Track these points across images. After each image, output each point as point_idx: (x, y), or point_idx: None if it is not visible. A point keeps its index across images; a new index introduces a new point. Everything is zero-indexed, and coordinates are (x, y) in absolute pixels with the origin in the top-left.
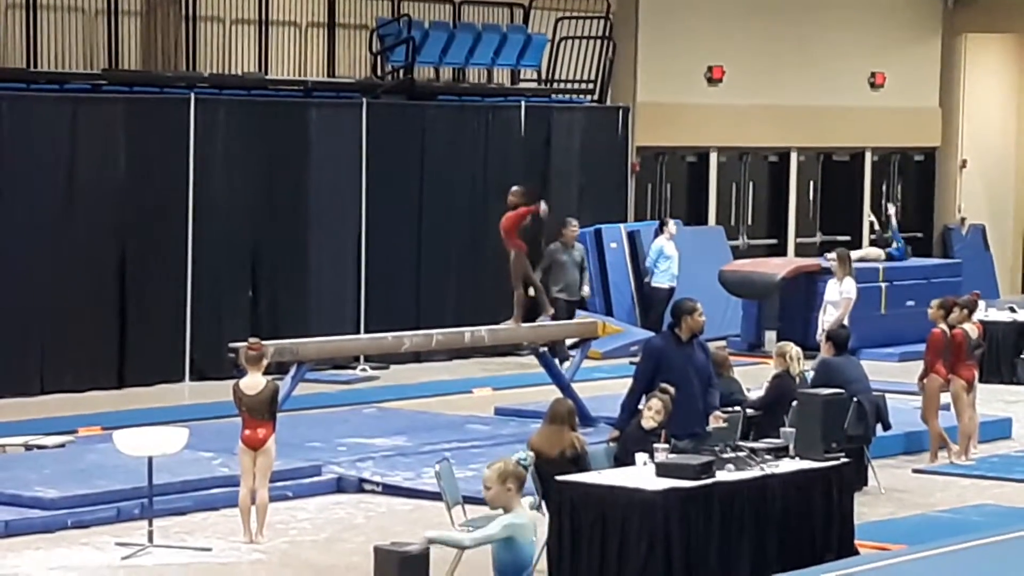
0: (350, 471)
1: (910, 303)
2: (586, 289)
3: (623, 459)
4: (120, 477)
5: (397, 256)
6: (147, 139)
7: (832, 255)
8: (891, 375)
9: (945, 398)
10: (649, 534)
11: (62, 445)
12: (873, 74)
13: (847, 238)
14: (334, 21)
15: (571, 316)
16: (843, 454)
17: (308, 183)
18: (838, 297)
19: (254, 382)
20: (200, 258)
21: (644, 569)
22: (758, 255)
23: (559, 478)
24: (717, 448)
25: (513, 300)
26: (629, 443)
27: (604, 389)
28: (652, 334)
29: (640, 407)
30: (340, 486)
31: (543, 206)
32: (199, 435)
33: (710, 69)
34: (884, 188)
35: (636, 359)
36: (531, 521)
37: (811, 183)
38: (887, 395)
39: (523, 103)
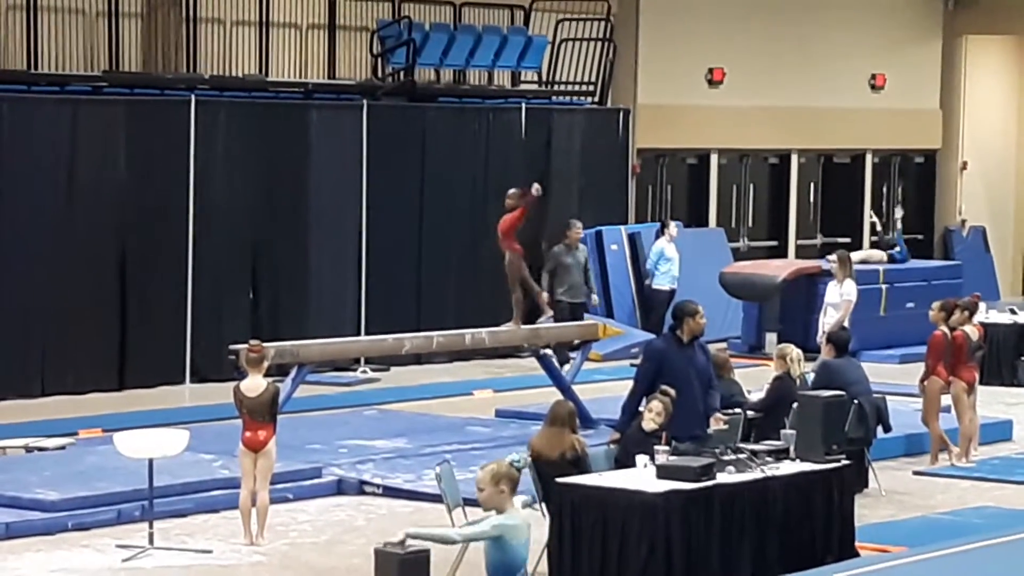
0: (351, 473)
1: (910, 305)
2: (595, 298)
3: (624, 461)
4: (121, 479)
5: (398, 258)
6: (148, 141)
7: (833, 257)
8: (892, 377)
9: (946, 400)
10: (650, 536)
11: (63, 447)
12: (873, 76)
13: (847, 240)
14: (334, 23)
15: (575, 318)
16: (844, 456)
17: (308, 185)
18: (838, 299)
19: (255, 384)
20: (200, 260)
21: (645, 571)
22: (759, 257)
23: (559, 480)
24: (718, 450)
25: (512, 303)
26: (630, 445)
27: (605, 391)
28: (653, 336)
29: (641, 409)
30: (341, 488)
31: (535, 187)
32: (200, 437)
33: (711, 71)
34: (885, 190)
35: (637, 361)
36: (524, 522)
37: (812, 185)
38: (888, 397)
39: (524, 105)
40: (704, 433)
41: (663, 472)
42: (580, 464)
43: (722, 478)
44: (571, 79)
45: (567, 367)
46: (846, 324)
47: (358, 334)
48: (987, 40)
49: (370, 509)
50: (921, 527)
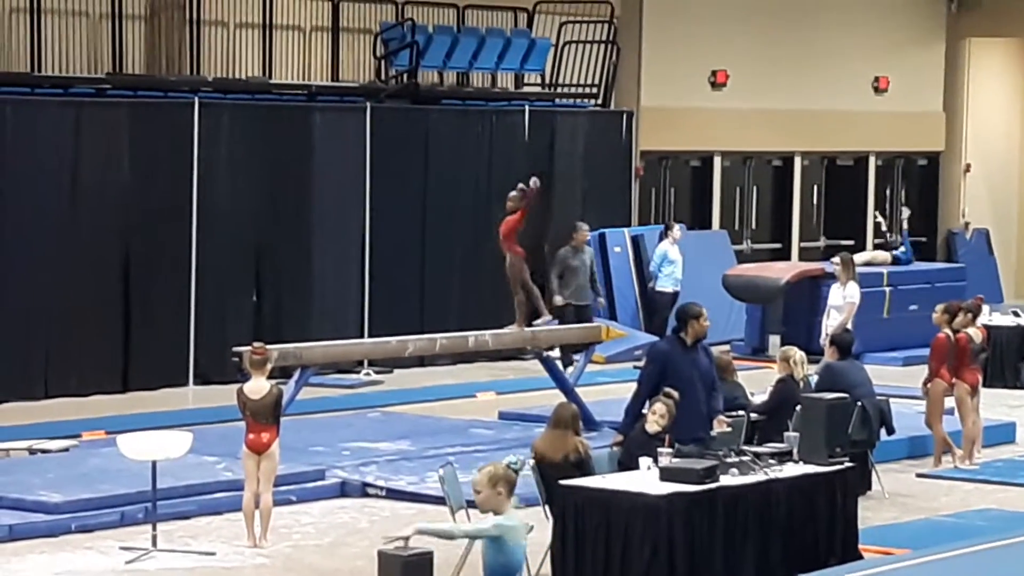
0: (354, 475)
1: (914, 307)
2: (600, 300)
3: (627, 463)
4: (124, 481)
5: (401, 260)
6: (151, 143)
7: (836, 260)
8: (895, 379)
9: (949, 402)
10: (653, 539)
11: (66, 449)
12: (877, 78)
13: (851, 242)
14: (338, 25)
15: (581, 320)
16: (847, 458)
17: (312, 187)
18: (842, 301)
19: (258, 386)
20: (204, 262)
21: (648, 574)
22: (762, 259)
23: (563, 482)
24: (721, 452)
25: (514, 305)
26: (633, 447)
27: (608, 393)
28: (656, 338)
29: (644, 411)
30: (344, 490)
31: (533, 180)
32: (203, 439)
33: (714, 73)
34: (888, 192)
35: (640, 363)
36: (522, 524)
37: (815, 187)
38: (891, 399)
39: (527, 107)
40: (707, 435)
41: (666, 474)
42: (583, 466)
43: (725, 480)
44: (574, 81)
45: (570, 369)
46: (849, 327)
47: (361, 336)
48: (990, 43)
49: (373, 511)
50: (924, 529)
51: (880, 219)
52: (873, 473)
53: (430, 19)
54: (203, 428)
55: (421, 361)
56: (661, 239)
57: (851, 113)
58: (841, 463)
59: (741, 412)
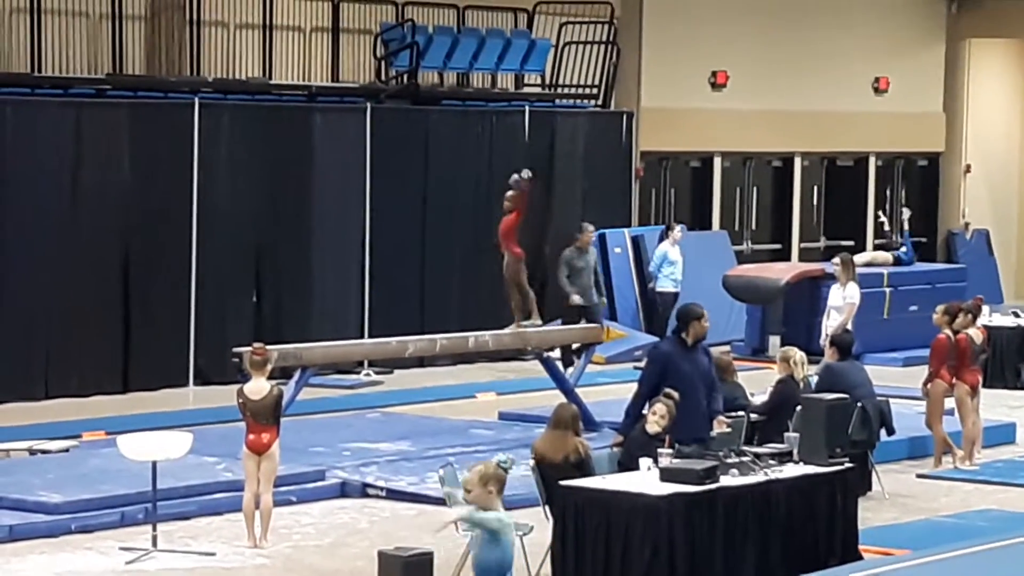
0: (354, 476)
1: (914, 308)
2: (603, 300)
3: (627, 464)
4: (124, 482)
5: (401, 260)
6: (151, 144)
7: (836, 260)
8: (895, 380)
9: (949, 403)
10: (653, 539)
11: (66, 450)
12: (877, 79)
13: (851, 243)
14: (338, 26)
15: (589, 321)
16: (847, 459)
17: (312, 188)
18: (842, 302)
19: (258, 387)
20: (204, 263)
21: (648, 574)
22: (762, 260)
23: (563, 483)
24: (721, 453)
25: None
26: (633, 448)
27: (608, 394)
28: (655, 339)
29: (644, 412)
30: (344, 491)
31: (525, 172)
32: (203, 440)
33: (714, 74)
34: (888, 193)
35: (640, 364)
36: (512, 522)
37: (815, 188)
38: (891, 400)
39: (527, 108)
40: (707, 436)
41: (666, 475)
42: (583, 467)
43: (725, 481)
44: (574, 82)
45: (571, 370)
46: (849, 327)
47: (361, 337)
48: (990, 43)
49: (373, 512)
50: (924, 530)
51: (883, 219)
52: (873, 474)
53: (430, 20)
54: (203, 429)
55: (421, 362)
56: (661, 239)
57: (851, 114)
58: (841, 464)
59: (741, 413)
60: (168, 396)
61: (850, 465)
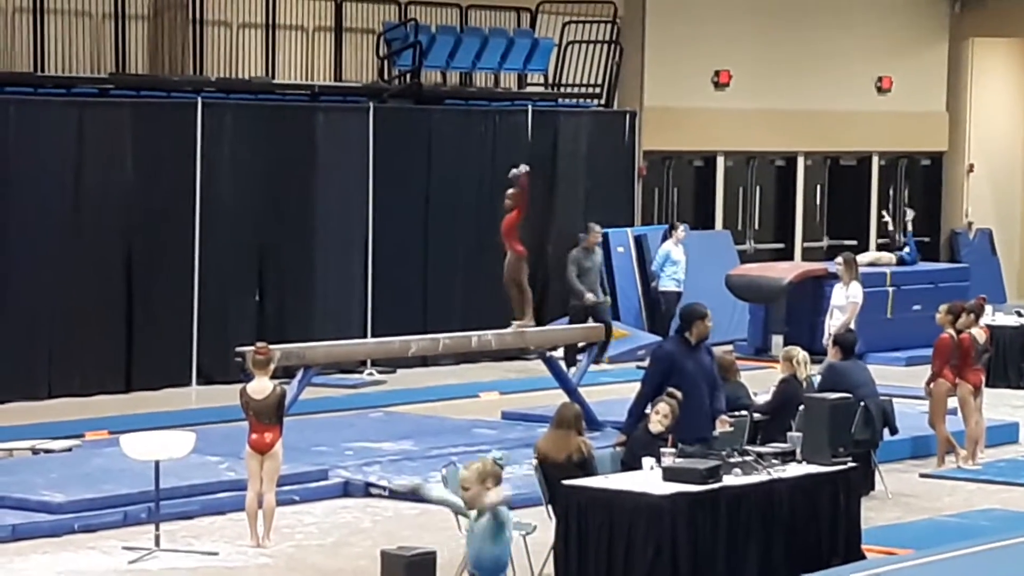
0: (357, 475)
1: (917, 307)
2: (607, 299)
3: (630, 463)
4: (127, 481)
5: (404, 260)
6: (154, 143)
7: (839, 259)
8: (898, 379)
9: (952, 402)
10: (656, 539)
11: (69, 449)
12: (880, 78)
13: (854, 242)
14: (341, 25)
15: (596, 320)
16: (850, 458)
17: (315, 187)
18: (845, 301)
19: (261, 386)
20: (207, 262)
21: (651, 573)
22: (765, 259)
23: (566, 482)
24: (724, 452)
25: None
26: (636, 447)
27: (611, 393)
28: (658, 338)
29: (647, 411)
30: (347, 490)
31: (521, 167)
32: (206, 439)
33: (717, 73)
34: (891, 192)
35: (643, 363)
36: (510, 515)
37: (818, 187)
38: (894, 399)
39: (530, 107)
40: (711, 436)
41: (669, 474)
42: (586, 466)
43: (728, 480)
44: (577, 81)
45: (573, 369)
46: (852, 326)
47: (364, 336)
48: (994, 43)
49: (376, 511)
50: (927, 529)
51: (887, 218)
52: (876, 473)
53: (433, 19)
54: (206, 428)
55: (424, 361)
56: (664, 239)
57: (854, 113)
58: (844, 463)
59: (744, 412)
60: (171, 395)
61: (853, 465)
